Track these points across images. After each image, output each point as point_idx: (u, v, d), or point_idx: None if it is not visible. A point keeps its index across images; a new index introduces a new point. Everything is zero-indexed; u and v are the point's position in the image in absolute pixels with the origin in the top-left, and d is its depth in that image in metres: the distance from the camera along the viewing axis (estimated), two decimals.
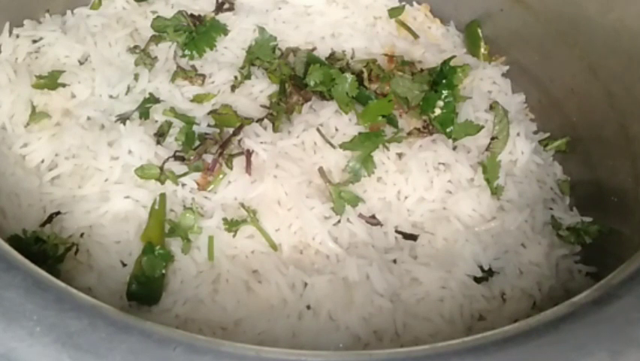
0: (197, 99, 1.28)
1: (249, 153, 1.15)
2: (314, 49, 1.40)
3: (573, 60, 1.34)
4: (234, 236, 1.09)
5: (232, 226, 1.09)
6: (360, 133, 1.19)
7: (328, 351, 0.97)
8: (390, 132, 1.23)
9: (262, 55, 1.35)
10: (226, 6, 1.46)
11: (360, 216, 1.15)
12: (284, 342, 1.01)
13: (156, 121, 1.22)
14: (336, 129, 1.22)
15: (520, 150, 1.30)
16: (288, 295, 1.05)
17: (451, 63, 1.28)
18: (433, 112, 1.25)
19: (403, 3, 1.56)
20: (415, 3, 1.59)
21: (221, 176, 1.14)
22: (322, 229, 1.10)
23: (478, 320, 1.10)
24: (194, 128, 1.20)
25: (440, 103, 1.25)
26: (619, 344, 0.75)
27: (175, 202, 1.13)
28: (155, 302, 1.05)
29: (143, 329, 0.74)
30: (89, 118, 1.24)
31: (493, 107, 1.31)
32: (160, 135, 1.19)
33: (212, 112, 1.24)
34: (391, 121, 1.24)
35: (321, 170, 1.15)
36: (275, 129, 1.21)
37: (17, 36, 1.33)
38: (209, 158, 1.15)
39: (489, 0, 1.51)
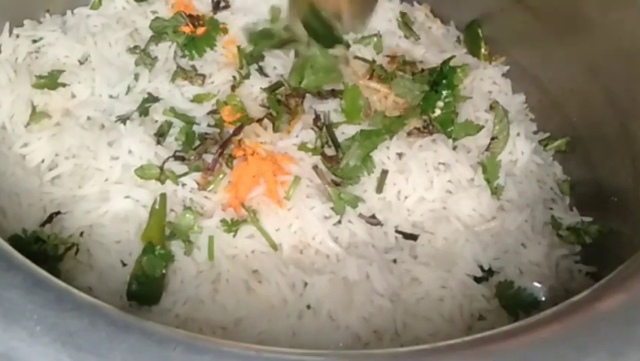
0: (197, 99, 1.28)
1: None
2: None
3: (573, 60, 1.34)
4: (234, 236, 1.09)
5: (232, 226, 1.09)
6: (361, 131, 1.19)
7: (328, 351, 0.97)
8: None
9: None
10: (222, 4, 1.46)
11: (360, 216, 1.15)
12: (284, 342, 1.01)
13: (156, 121, 1.22)
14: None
15: (520, 150, 1.30)
16: (288, 294, 1.05)
17: (451, 63, 1.29)
18: (433, 112, 1.25)
19: (403, 3, 1.56)
20: (415, 3, 1.59)
21: (221, 176, 1.14)
22: (322, 228, 1.10)
23: (478, 319, 1.10)
24: (194, 128, 1.20)
25: (440, 103, 1.25)
26: (619, 344, 0.75)
27: (175, 202, 1.13)
28: (156, 302, 1.05)
29: (144, 329, 0.74)
30: (89, 118, 1.24)
31: (493, 107, 1.31)
32: (160, 135, 1.19)
33: (212, 112, 1.24)
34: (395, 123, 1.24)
35: (319, 170, 1.15)
36: (275, 129, 1.21)
37: (17, 36, 1.33)
38: (209, 158, 1.15)
39: (489, 0, 1.51)
